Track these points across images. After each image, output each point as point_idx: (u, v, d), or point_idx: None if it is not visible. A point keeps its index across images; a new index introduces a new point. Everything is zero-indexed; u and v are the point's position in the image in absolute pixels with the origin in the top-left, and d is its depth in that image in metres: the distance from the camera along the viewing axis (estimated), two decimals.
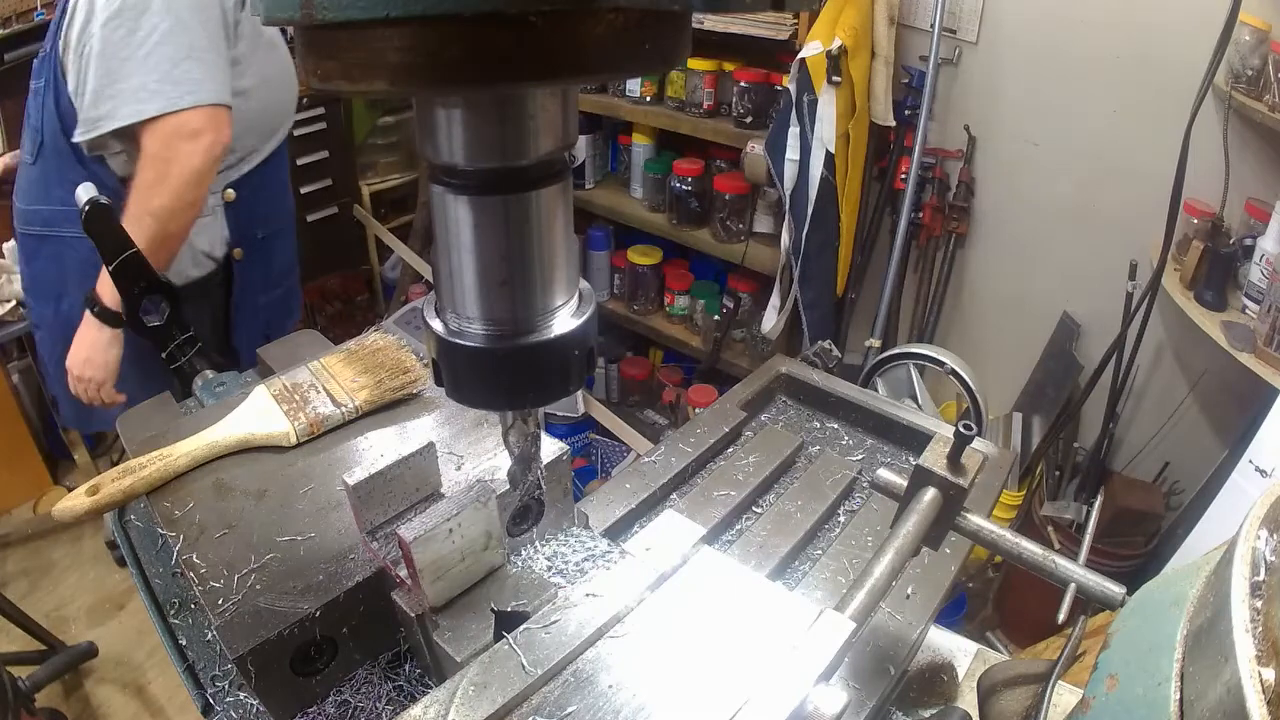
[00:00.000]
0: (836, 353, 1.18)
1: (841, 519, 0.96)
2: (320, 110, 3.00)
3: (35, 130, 1.59)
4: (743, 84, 2.30)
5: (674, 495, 0.98)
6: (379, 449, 0.86)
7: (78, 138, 1.50)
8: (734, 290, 2.69)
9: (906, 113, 2.32)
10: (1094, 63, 2.10)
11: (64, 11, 1.48)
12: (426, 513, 0.62)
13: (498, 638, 0.61)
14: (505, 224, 0.45)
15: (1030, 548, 0.68)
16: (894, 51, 2.23)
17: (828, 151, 2.10)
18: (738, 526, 0.94)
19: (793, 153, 2.13)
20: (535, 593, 0.66)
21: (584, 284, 0.52)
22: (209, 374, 1.10)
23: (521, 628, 0.60)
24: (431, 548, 0.61)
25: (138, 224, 1.47)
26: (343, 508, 0.76)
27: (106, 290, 1.48)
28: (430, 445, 0.71)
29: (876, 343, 2.34)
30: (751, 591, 0.62)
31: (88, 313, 1.50)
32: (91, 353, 1.53)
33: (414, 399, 0.93)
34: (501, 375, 0.49)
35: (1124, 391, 2.18)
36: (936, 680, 0.85)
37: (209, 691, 0.77)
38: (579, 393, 2.71)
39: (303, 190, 3.06)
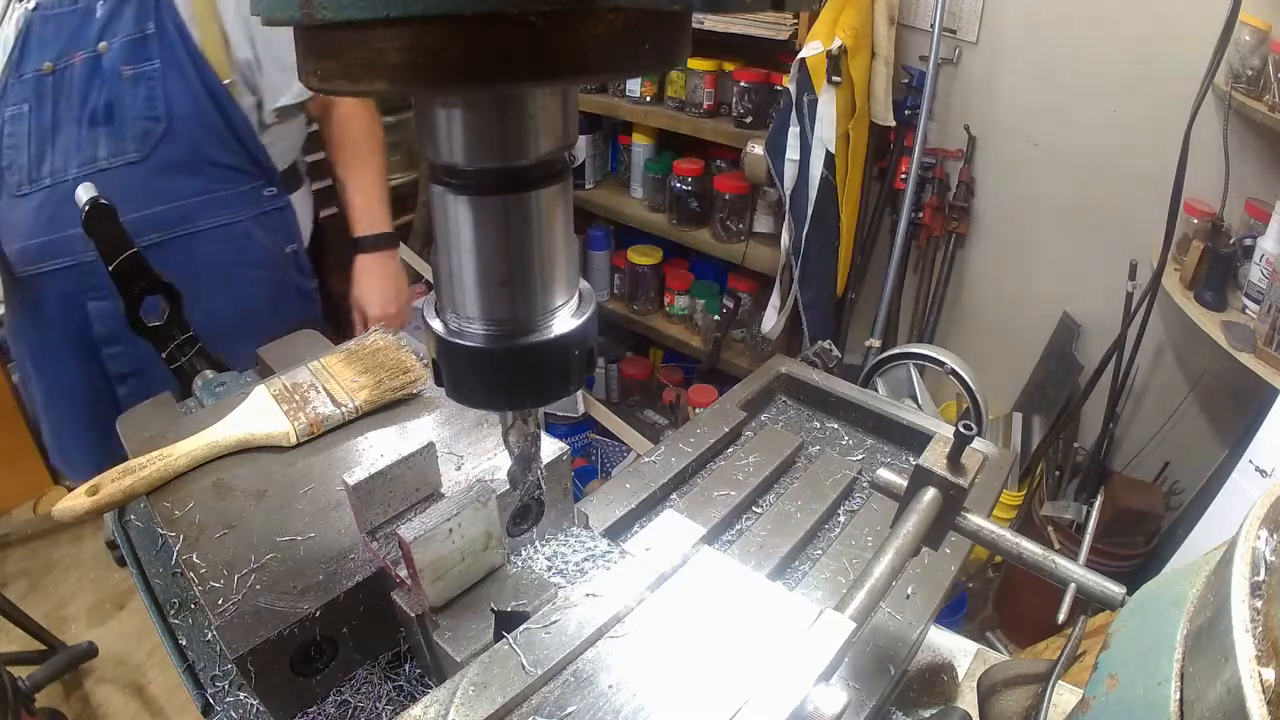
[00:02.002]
0: (836, 353, 1.18)
1: (841, 519, 0.96)
2: None
3: (151, 119, 1.44)
4: (743, 84, 2.30)
5: (674, 495, 0.98)
6: (379, 449, 0.86)
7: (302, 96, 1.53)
8: (734, 290, 2.69)
9: (906, 113, 2.32)
10: (1094, 63, 2.10)
11: None
12: (426, 513, 0.62)
13: (498, 638, 0.61)
14: (505, 224, 0.45)
15: (1030, 548, 0.68)
16: (894, 51, 2.23)
17: (828, 151, 2.10)
18: (738, 526, 0.94)
19: (793, 153, 2.13)
20: (535, 593, 0.66)
21: (584, 284, 0.52)
22: (209, 374, 1.10)
23: (521, 628, 0.60)
24: (431, 548, 0.61)
25: (381, 181, 1.67)
26: (343, 508, 0.76)
27: (374, 218, 1.66)
28: (430, 445, 0.71)
29: (876, 343, 2.34)
30: (751, 591, 0.62)
31: (375, 254, 1.63)
32: (398, 283, 1.68)
33: (414, 399, 0.93)
34: (501, 375, 0.49)
35: (1124, 391, 2.18)
36: (936, 680, 0.85)
37: (209, 691, 0.77)
38: (579, 393, 2.71)
39: None
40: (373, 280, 1.66)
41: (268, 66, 1.48)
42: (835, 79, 2.02)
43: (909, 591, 0.82)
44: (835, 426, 1.12)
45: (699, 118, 2.43)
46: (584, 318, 0.50)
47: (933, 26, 2.15)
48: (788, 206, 2.20)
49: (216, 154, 1.51)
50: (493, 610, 0.65)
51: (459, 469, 0.80)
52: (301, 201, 1.72)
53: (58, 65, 1.44)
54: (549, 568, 0.70)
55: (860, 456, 1.06)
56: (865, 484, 1.00)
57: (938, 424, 1.05)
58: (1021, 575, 2.09)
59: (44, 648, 2.25)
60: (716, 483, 0.96)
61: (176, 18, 1.43)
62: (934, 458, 0.69)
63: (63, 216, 1.41)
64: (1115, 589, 0.63)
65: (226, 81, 1.48)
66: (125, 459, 0.83)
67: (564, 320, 0.49)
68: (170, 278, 1.07)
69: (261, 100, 1.55)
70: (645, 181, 2.77)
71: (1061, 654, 0.64)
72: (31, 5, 1.43)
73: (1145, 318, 2.01)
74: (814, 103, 2.06)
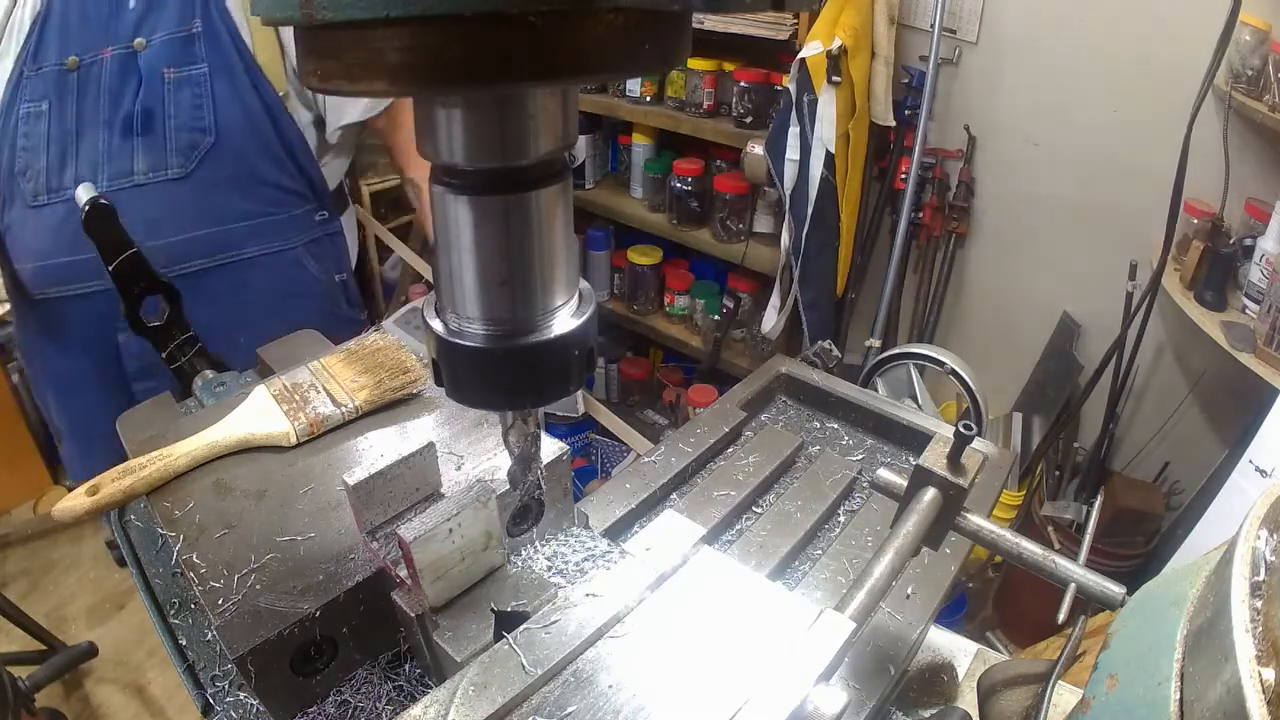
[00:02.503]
0: (836, 353, 1.18)
1: (841, 519, 0.96)
2: None
3: (198, 130, 1.27)
4: (743, 84, 2.29)
5: (674, 495, 0.97)
6: (379, 449, 0.86)
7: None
8: (734, 290, 2.69)
9: (906, 113, 2.32)
10: (1094, 63, 2.10)
11: None
12: (426, 513, 0.62)
13: (498, 638, 0.61)
14: (505, 224, 0.45)
15: (1030, 548, 0.68)
16: (894, 51, 2.23)
17: (828, 151, 2.10)
18: (738, 526, 0.94)
19: (793, 153, 2.12)
20: (535, 593, 0.66)
21: (584, 284, 0.52)
22: (209, 374, 1.10)
23: (521, 628, 0.60)
24: (431, 548, 0.61)
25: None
26: (343, 508, 0.76)
27: None
28: (430, 445, 0.71)
29: (876, 343, 2.34)
30: (751, 591, 0.62)
31: None
32: None
33: (414, 399, 0.93)
34: (501, 375, 0.49)
35: (1124, 391, 2.18)
36: (936, 680, 0.85)
37: (209, 691, 0.77)
38: (579, 393, 2.71)
39: None
40: None
41: None
42: (835, 79, 2.02)
43: (909, 591, 0.82)
44: (835, 426, 1.12)
45: (699, 118, 2.43)
46: (584, 318, 0.50)
47: (933, 26, 2.15)
48: (788, 206, 2.20)
49: (269, 173, 1.36)
50: (493, 610, 0.65)
51: (459, 469, 0.80)
52: (347, 225, 1.57)
53: (84, 60, 1.26)
54: (549, 568, 0.70)
55: (860, 456, 1.06)
56: (865, 484, 1.00)
57: (938, 424, 1.05)
58: (1021, 575, 2.09)
59: (44, 648, 2.25)
60: (716, 483, 0.96)
61: (227, 16, 1.27)
62: (934, 458, 0.69)
63: None
64: (1115, 589, 0.63)
65: (281, 93, 1.33)
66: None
67: (564, 320, 0.49)
68: (170, 278, 1.07)
69: (323, 117, 1.40)
70: (645, 181, 2.77)
71: (1061, 654, 0.64)
72: None
73: (1145, 318, 2.01)
74: (814, 103, 2.06)
